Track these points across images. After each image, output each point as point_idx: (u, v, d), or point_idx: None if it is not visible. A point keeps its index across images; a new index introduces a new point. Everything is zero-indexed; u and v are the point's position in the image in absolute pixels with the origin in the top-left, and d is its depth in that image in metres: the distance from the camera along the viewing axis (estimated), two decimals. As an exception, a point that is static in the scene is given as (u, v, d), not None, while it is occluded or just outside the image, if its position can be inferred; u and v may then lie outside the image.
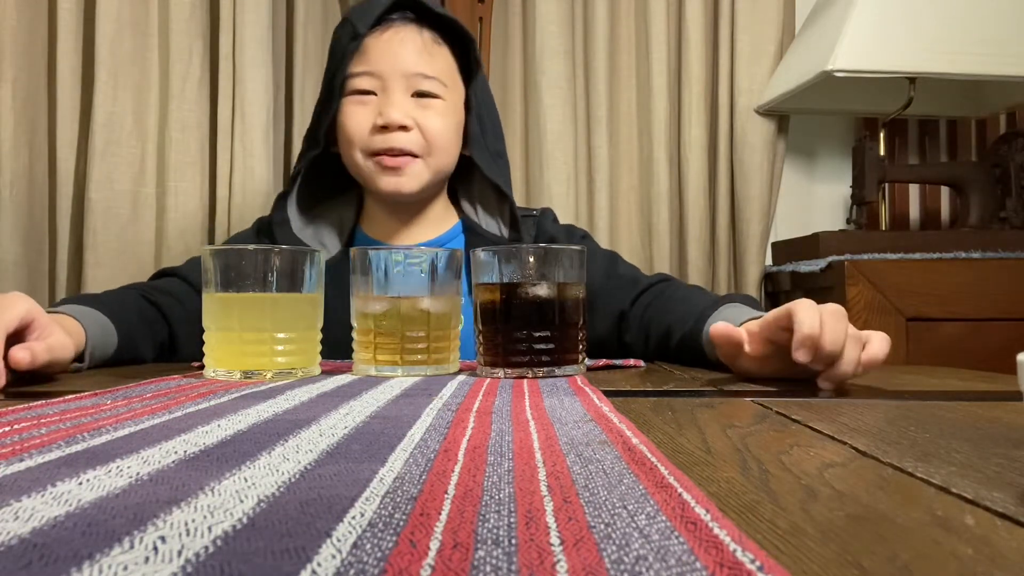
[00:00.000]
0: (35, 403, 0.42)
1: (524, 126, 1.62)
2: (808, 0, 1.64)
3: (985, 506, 0.24)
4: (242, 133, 1.46)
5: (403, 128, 0.91)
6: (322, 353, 0.67)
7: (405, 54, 0.92)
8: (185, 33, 1.46)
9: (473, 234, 0.99)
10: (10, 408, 0.40)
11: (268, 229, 0.97)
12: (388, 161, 0.91)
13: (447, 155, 0.96)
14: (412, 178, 0.93)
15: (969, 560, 0.19)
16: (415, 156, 0.92)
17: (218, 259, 0.61)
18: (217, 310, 0.61)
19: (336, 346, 0.74)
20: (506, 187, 0.97)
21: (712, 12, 1.64)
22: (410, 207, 0.99)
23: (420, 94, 0.93)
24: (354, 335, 0.65)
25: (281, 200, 0.97)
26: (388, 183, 0.92)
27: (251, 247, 0.62)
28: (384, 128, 0.90)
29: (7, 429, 0.34)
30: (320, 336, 0.66)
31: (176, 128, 1.45)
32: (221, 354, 0.61)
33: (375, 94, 0.93)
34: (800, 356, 0.55)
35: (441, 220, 1.02)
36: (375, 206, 1.00)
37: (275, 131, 1.51)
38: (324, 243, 0.97)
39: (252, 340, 0.60)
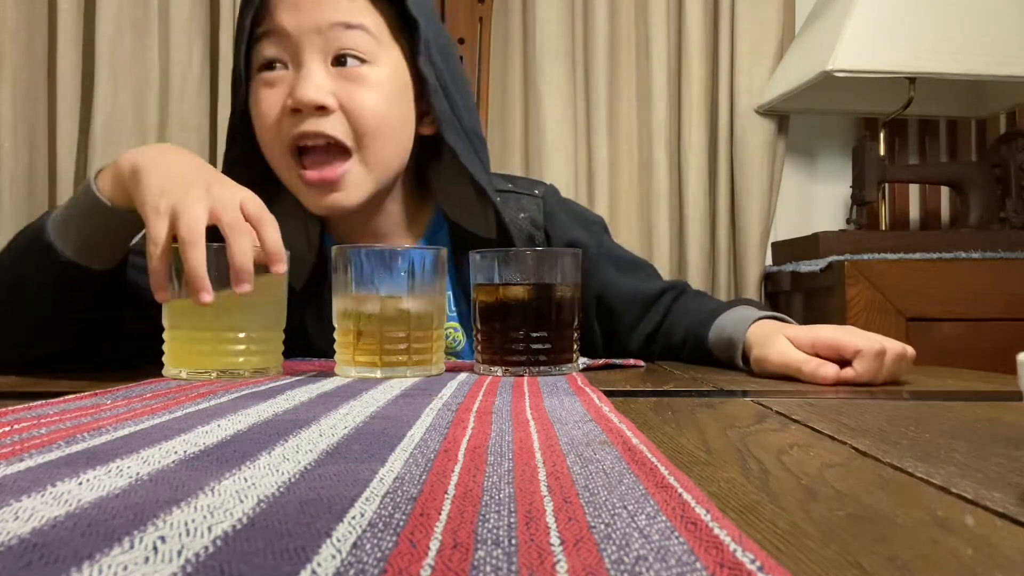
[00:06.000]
0: (35, 403, 0.42)
1: (524, 126, 1.62)
2: (808, 0, 1.65)
3: (985, 506, 0.24)
4: (242, 133, 1.45)
5: (322, 109, 0.70)
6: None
7: (315, 2, 0.71)
8: (185, 33, 1.47)
9: (457, 237, 0.82)
10: (10, 408, 0.40)
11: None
12: (311, 176, 0.71)
13: (391, 143, 0.75)
14: (352, 188, 0.73)
15: (969, 560, 0.19)
16: (345, 151, 0.72)
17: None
18: (191, 309, 0.60)
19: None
20: (485, 179, 0.79)
21: (712, 12, 1.64)
22: (373, 212, 0.79)
23: (341, 60, 0.72)
24: (335, 335, 0.64)
25: None
26: (322, 201, 0.73)
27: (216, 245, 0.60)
28: (296, 111, 0.71)
29: (7, 429, 0.34)
30: (283, 336, 0.65)
31: (176, 128, 1.45)
32: (191, 354, 0.60)
33: (285, 67, 0.73)
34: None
35: (413, 215, 0.84)
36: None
37: (275, 131, 1.50)
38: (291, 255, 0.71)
39: (229, 340, 0.60)
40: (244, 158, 0.77)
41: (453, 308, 0.83)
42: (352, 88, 0.72)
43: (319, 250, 0.80)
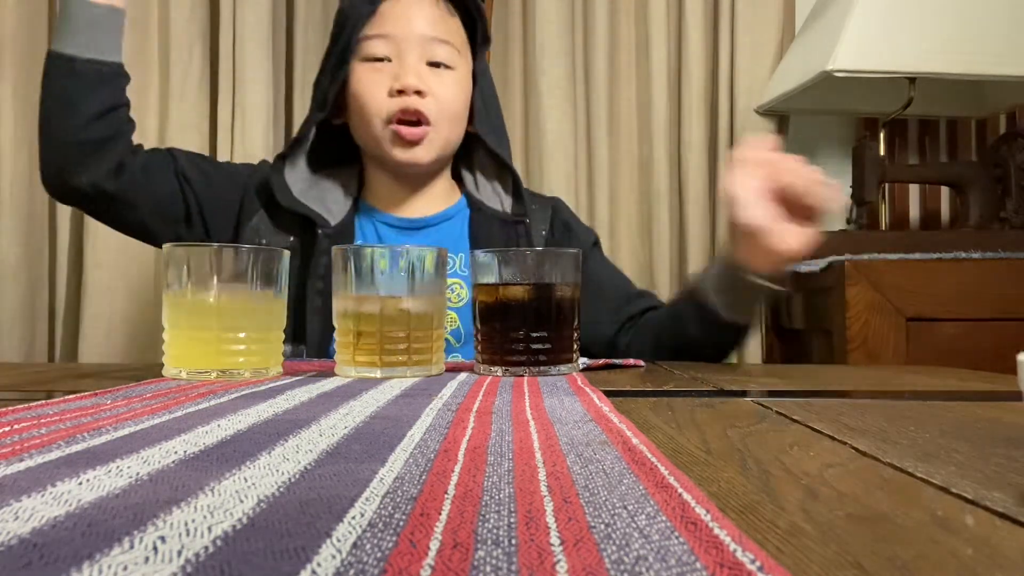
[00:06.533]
0: (35, 403, 0.42)
1: (524, 126, 1.62)
2: (808, 0, 1.65)
3: (985, 506, 0.24)
4: (242, 133, 1.46)
5: (418, 93, 0.93)
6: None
7: (421, 19, 0.95)
8: (185, 33, 1.47)
9: (477, 211, 1.01)
10: (10, 408, 0.40)
11: (268, 190, 0.97)
12: (406, 132, 0.93)
13: (457, 126, 0.98)
14: (427, 148, 0.95)
15: (969, 560, 0.19)
16: (428, 124, 0.94)
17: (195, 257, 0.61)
18: (192, 309, 0.60)
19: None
20: (509, 161, 1.01)
21: (712, 12, 1.64)
22: (415, 181, 1.00)
23: (434, 64, 0.95)
24: (335, 335, 0.64)
25: (279, 161, 0.97)
26: (404, 154, 0.94)
27: (216, 246, 0.61)
28: (400, 92, 0.93)
29: (7, 429, 0.34)
30: (283, 337, 0.65)
31: (176, 128, 1.45)
32: (191, 354, 0.60)
33: (389, 61, 0.95)
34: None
35: (445, 196, 1.03)
36: (379, 178, 1.01)
37: (275, 131, 1.51)
38: (329, 208, 0.98)
39: (229, 340, 0.60)
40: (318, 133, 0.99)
41: (465, 268, 0.97)
42: (439, 82, 0.95)
43: (353, 205, 1.00)
